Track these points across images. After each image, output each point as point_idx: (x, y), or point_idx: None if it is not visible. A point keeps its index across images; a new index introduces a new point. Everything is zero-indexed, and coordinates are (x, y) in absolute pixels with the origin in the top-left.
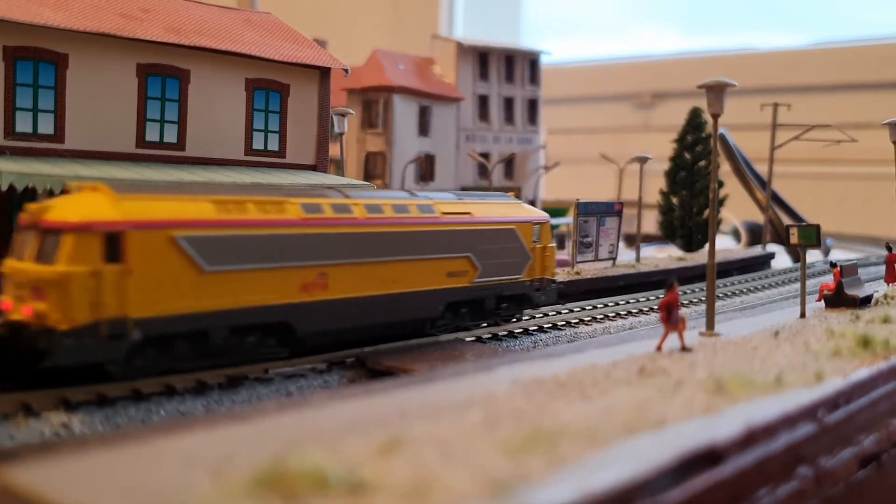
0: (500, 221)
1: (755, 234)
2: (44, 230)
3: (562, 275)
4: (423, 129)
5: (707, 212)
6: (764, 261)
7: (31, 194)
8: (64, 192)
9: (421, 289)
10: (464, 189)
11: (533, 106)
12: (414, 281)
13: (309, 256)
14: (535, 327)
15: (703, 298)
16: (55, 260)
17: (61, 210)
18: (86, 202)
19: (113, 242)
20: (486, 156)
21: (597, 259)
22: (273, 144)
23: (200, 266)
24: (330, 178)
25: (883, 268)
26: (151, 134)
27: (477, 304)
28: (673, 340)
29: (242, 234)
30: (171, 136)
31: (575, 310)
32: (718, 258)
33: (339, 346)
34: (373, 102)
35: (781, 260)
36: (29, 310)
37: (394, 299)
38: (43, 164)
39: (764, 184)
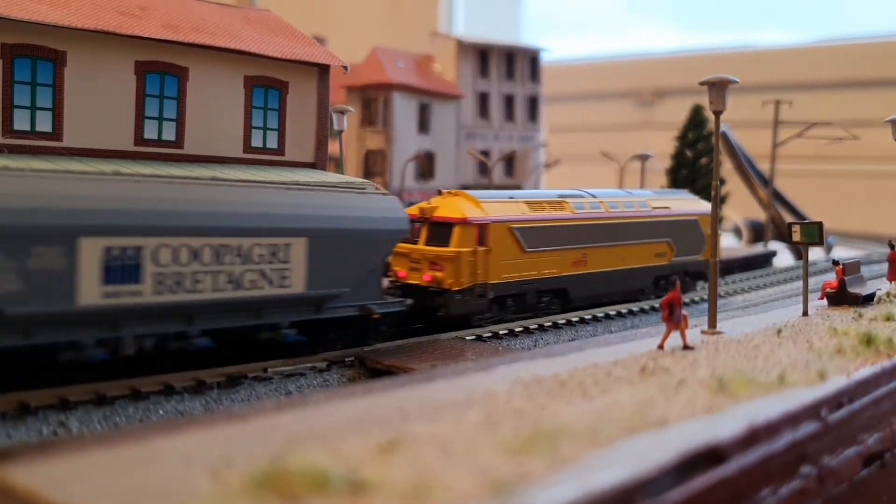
0: (687, 213)
1: (757, 232)
2: (434, 223)
3: None
4: (423, 126)
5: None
6: (766, 259)
7: None
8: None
9: (640, 265)
10: (464, 187)
11: (533, 103)
12: (637, 259)
13: (578, 241)
14: (536, 326)
15: (705, 297)
16: (449, 243)
17: (446, 209)
18: (461, 204)
19: (482, 232)
20: (486, 153)
21: None
22: (272, 142)
23: (523, 247)
24: (329, 176)
25: (885, 265)
26: (150, 132)
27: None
28: (675, 339)
29: (544, 226)
30: (169, 133)
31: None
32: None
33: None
34: (372, 100)
35: (783, 258)
36: (429, 277)
37: (624, 273)
38: (44, 162)
39: (766, 181)
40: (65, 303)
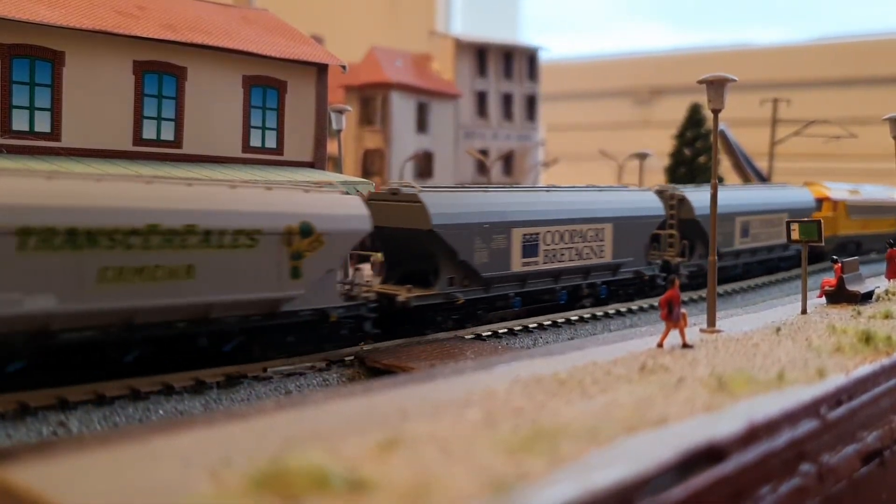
0: None
1: None
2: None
3: None
4: (422, 125)
5: None
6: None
7: None
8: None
9: (884, 231)
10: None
11: (531, 102)
12: (883, 227)
13: (867, 214)
14: (535, 325)
15: (704, 295)
16: (821, 210)
17: (815, 193)
18: (822, 189)
19: (835, 205)
20: (484, 152)
21: None
22: (270, 142)
23: (850, 216)
24: (328, 175)
25: (884, 263)
26: (148, 132)
27: None
28: (674, 337)
29: (856, 204)
30: (167, 133)
31: (575, 307)
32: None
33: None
34: (371, 99)
35: None
36: None
37: (878, 236)
38: (43, 163)
39: (764, 179)
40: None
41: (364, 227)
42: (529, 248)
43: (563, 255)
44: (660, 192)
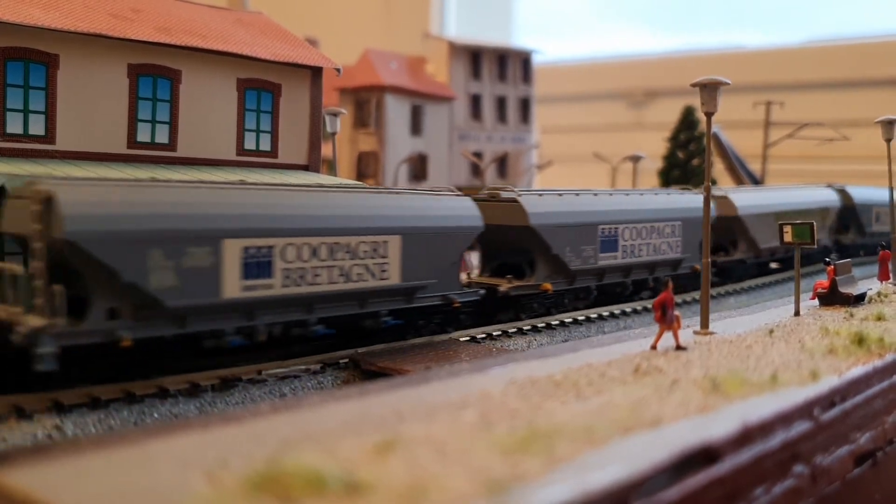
0: None
1: None
2: None
3: None
4: (416, 128)
5: None
6: None
7: None
8: None
9: None
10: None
11: (525, 105)
12: None
13: None
14: (530, 327)
15: (697, 297)
16: None
17: None
18: None
19: None
20: (479, 155)
21: None
22: (265, 144)
23: None
24: (322, 178)
25: (876, 265)
26: (143, 134)
27: None
28: (668, 339)
29: None
30: (162, 136)
31: (568, 309)
32: None
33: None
34: (365, 102)
35: None
36: None
37: None
38: (34, 165)
39: (757, 182)
40: None
41: None
42: (258, 267)
43: (321, 275)
44: (490, 197)
